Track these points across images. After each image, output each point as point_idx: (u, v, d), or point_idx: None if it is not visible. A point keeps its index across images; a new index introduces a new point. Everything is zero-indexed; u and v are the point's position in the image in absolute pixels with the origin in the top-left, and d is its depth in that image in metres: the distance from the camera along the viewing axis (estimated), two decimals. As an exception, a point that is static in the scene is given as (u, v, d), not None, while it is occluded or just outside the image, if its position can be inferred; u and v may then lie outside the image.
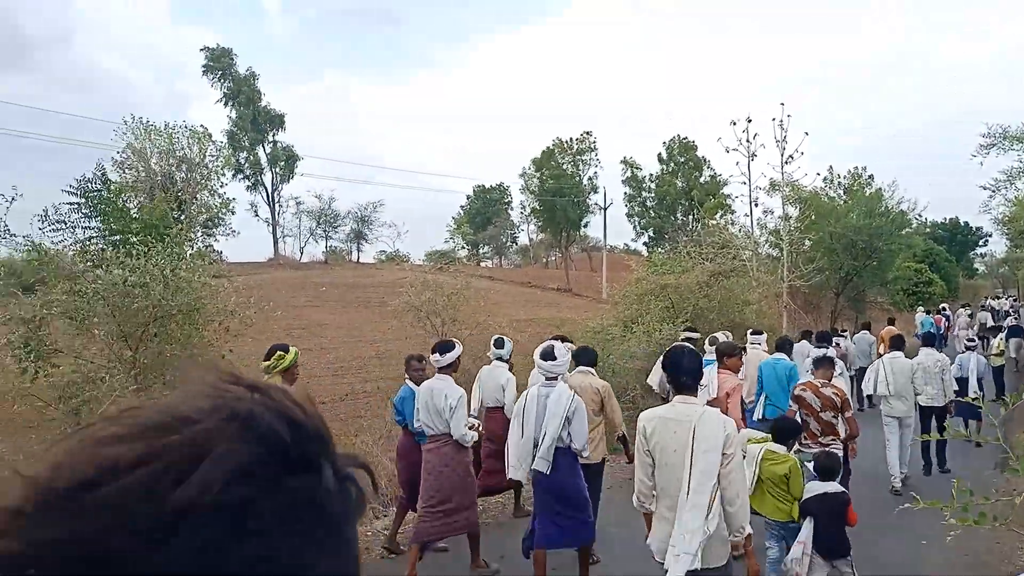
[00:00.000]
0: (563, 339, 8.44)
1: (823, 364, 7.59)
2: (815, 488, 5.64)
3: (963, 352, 13.60)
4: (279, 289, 25.40)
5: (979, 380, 12.96)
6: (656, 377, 8.88)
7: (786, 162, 20.35)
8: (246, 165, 43.47)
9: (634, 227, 52.66)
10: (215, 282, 10.18)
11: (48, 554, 0.49)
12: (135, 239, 10.37)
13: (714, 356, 7.78)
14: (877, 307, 31.07)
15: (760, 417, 8.88)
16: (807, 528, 5.45)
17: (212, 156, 26.32)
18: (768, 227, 23.80)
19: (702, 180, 49.78)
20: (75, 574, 0.49)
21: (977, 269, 65.43)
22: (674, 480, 4.07)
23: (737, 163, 20.84)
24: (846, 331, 18.95)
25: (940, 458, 10.22)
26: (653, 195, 51.68)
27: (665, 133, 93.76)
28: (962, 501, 3.89)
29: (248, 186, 43.80)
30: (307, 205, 47.26)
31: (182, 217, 21.67)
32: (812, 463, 5.92)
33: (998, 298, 39.07)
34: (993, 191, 28.94)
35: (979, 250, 64.81)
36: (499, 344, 8.04)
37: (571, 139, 49.68)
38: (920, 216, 31.72)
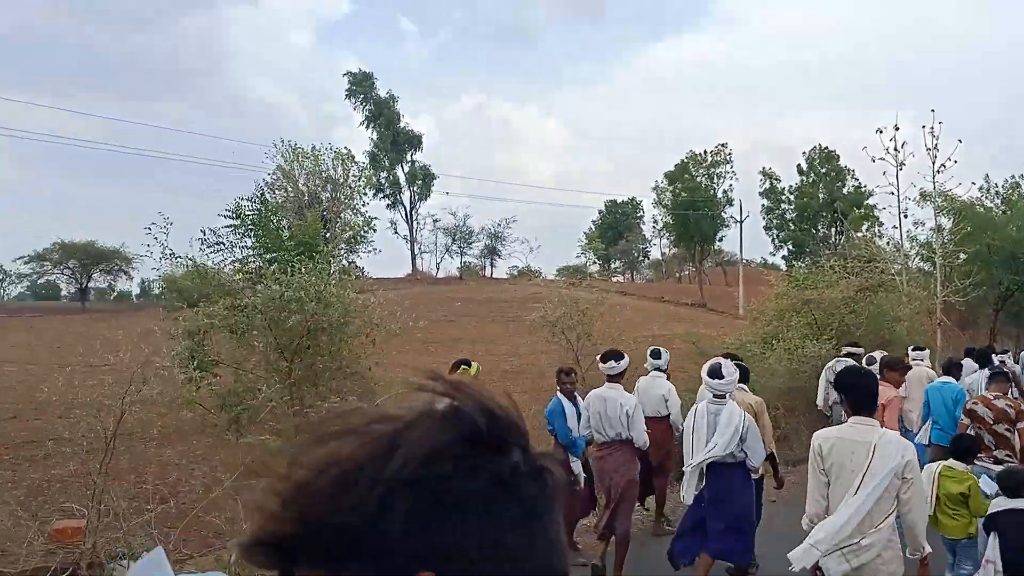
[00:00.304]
0: (731, 357, 8.33)
1: (998, 378, 7.43)
2: (1002, 504, 5.28)
3: None
4: (416, 304, 26.16)
5: None
6: (822, 395, 8.69)
7: (938, 171, 19.26)
8: (386, 184, 45.27)
9: (772, 240, 51.54)
10: (361, 297, 10.57)
11: (302, 531, 0.60)
12: (291, 256, 10.94)
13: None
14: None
15: (927, 442, 8.39)
16: (993, 545, 5.10)
17: (355, 176, 27.52)
18: (919, 240, 22.45)
19: (845, 191, 47.63)
20: (324, 546, 0.60)
21: None
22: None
23: (884, 173, 19.76)
24: (1007, 350, 17.52)
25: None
26: (792, 207, 50.17)
27: (804, 143, 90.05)
28: None
29: (388, 204, 45.60)
30: (443, 222, 48.63)
31: (327, 235, 22.77)
32: (991, 478, 5.67)
33: None
34: None
35: None
36: (656, 355, 8.14)
37: (705, 151, 48.81)
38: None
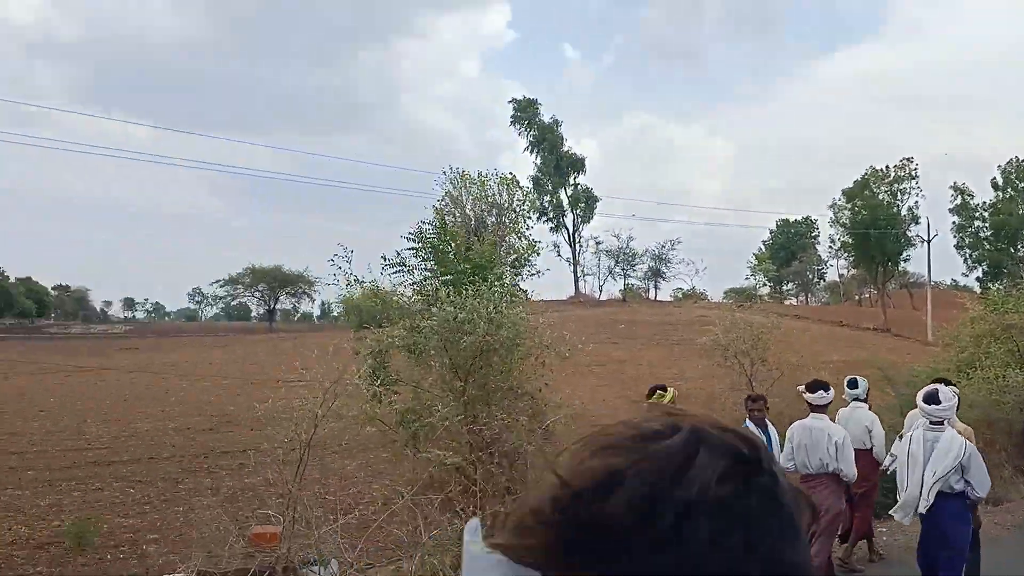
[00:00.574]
0: (945, 382, 7.87)
1: None
2: None
3: None
4: (580, 326, 26.20)
5: None
6: None
7: None
8: (549, 208, 45.89)
9: (964, 260, 47.95)
10: (530, 317, 10.71)
11: (580, 538, 0.62)
12: (467, 279, 11.32)
13: None
14: None
15: None
16: None
17: (519, 200, 28.09)
18: None
19: (1051, 206, 43.16)
20: (602, 557, 0.61)
21: None
22: None
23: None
24: None
25: None
26: (987, 224, 46.16)
27: (996, 157, 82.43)
28: None
29: (551, 227, 46.18)
30: (606, 244, 48.59)
31: (493, 258, 23.33)
32: None
33: None
34: None
35: None
36: (853, 384, 7.93)
37: (887, 166, 45.77)
38: None
